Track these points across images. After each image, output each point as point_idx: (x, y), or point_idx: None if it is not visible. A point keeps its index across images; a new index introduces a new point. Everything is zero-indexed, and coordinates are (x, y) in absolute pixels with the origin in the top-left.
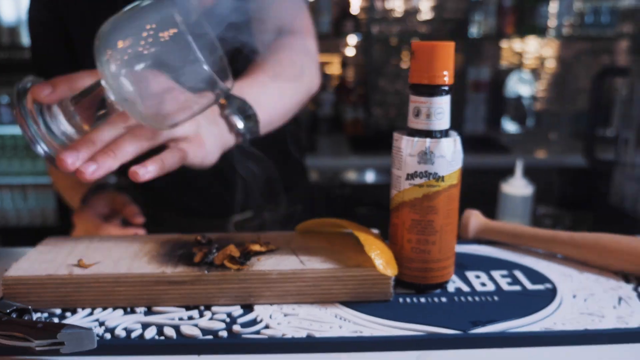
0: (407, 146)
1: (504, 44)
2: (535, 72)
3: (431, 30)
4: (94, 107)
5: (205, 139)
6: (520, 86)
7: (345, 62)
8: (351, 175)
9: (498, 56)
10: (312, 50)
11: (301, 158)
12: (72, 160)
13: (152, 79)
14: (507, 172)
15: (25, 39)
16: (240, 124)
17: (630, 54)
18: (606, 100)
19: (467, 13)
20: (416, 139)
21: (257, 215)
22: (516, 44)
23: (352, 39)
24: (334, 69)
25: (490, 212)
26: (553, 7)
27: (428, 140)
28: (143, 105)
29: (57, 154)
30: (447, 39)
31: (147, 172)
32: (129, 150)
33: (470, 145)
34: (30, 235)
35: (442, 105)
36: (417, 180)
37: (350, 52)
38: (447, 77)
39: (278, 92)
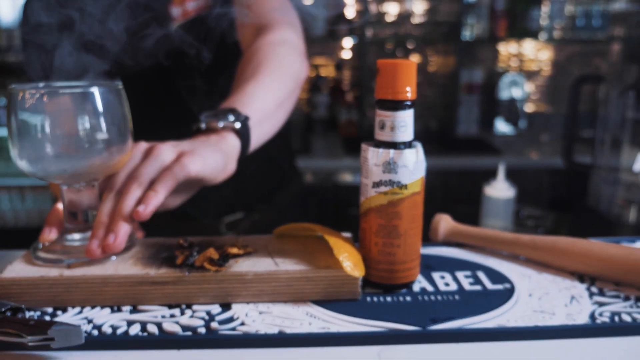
0: (372, 156)
1: (497, 46)
2: (528, 75)
3: (424, 33)
4: (81, 208)
5: (199, 148)
6: (513, 88)
7: (340, 64)
8: (345, 176)
9: (491, 59)
10: (291, 39)
11: (293, 159)
12: (95, 245)
13: (62, 143)
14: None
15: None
16: (231, 121)
17: (607, 61)
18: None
19: (460, 16)
20: (381, 150)
21: (248, 216)
22: (509, 47)
23: (347, 42)
24: (329, 71)
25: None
26: (545, 11)
27: (392, 151)
28: (84, 164)
29: (85, 252)
30: (440, 42)
31: (146, 208)
32: (129, 206)
33: (463, 147)
34: (27, 236)
35: (405, 119)
36: (382, 188)
37: (345, 55)
38: (409, 93)
39: (261, 92)
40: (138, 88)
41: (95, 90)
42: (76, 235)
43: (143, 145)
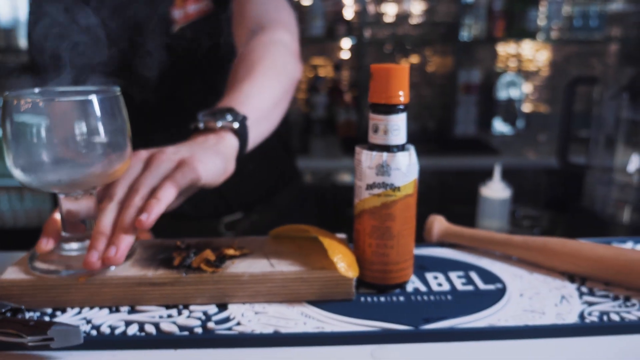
0: (366, 159)
1: (495, 47)
2: (526, 75)
3: (422, 33)
4: (78, 216)
5: (198, 154)
6: (510, 88)
7: (338, 65)
8: (343, 177)
9: (489, 59)
10: (285, 40)
11: (292, 160)
12: (95, 257)
13: (58, 151)
14: None
15: (22, 41)
16: (229, 121)
17: (602, 63)
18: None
19: (458, 17)
20: (374, 152)
21: (247, 216)
22: (507, 47)
23: (346, 43)
24: (328, 71)
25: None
26: (542, 11)
27: (385, 154)
28: (82, 174)
29: (83, 264)
30: (439, 42)
31: (149, 217)
32: (131, 218)
33: (460, 147)
34: (26, 236)
35: (397, 123)
36: (376, 190)
37: (343, 55)
38: (402, 97)
39: (257, 91)
40: (136, 89)
41: (93, 98)
42: (74, 245)
43: (143, 154)
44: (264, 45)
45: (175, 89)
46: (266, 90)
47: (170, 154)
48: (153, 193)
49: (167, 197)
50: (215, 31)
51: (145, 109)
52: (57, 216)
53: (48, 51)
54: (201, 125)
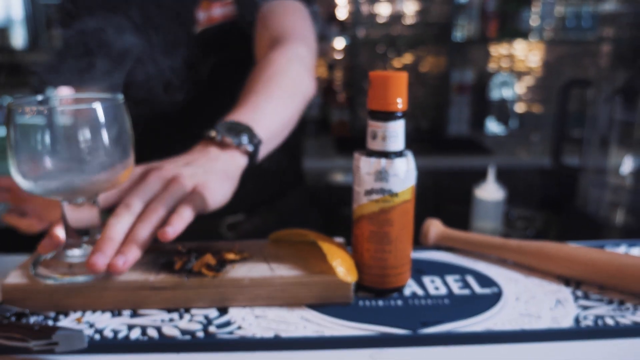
0: (365, 165)
1: (488, 47)
2: (519, 75)
3: (416, 34)
4: (81, 223)
5: (212, 182)
6: (503, 89)
7: (332, 65)
8: (337, 176)
9: (482, 59)
10: (303, 56)
11: (297, 163)
12: (102, 260)
13: (61, 158)
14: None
15: (15, 40)
16: (244, 143)
17: (596, 65)
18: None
19: (451, 17)
20: (373, 159)
21: (250, 218)
22: (499, 48)
23: (339, 43)
24: (321, 72)
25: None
26: (535, 12)
27: (383, 160)
28: (85, 181)
29: (86, 263)
30: (432, 43)
31: (175, 230)
32: (146, 234)
33: (453, 146)
34: (20, 235)
35: (396, 129)
36: (374, 196)
37: (336, 55)
38: (400, 104)
39: (272, 108)
40: (150, 89)
41: (97, 106)
42: (77, 251)
43: (164, 174)
44: (283, 58)
45: (188, 92)
46: (281, 110)
47: (187, 178)
48: (175, 210)
49: (188, 216)
50: (236, 37)
51: (158, 110)
52: (59, 232)
53: (76, 50)
54: (219, 137)
